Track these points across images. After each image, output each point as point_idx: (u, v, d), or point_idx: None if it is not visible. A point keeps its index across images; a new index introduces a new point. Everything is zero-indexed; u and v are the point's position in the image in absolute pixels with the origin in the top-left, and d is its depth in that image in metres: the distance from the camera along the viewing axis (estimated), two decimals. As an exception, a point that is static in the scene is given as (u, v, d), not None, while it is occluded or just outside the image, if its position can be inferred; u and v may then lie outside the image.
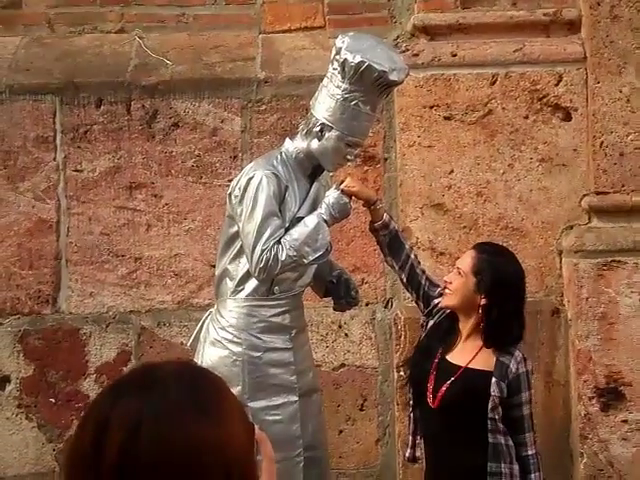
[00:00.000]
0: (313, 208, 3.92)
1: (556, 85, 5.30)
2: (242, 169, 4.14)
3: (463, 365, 3.72)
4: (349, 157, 3.97)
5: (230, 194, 3.95)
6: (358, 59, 3.76)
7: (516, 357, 3.70)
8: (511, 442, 3.66)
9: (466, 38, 5.36)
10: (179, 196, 5.37)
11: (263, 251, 3.79)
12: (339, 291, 4.18)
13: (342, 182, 3.96)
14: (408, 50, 5.36)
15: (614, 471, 5.10)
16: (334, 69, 3.85)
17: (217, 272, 4.08)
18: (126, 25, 5.63)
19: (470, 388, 3.67)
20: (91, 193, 5.38)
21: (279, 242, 3.82)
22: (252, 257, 3.81)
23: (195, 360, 4.02)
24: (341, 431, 5.36)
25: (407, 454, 3.95)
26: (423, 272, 3.97)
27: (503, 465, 3.63)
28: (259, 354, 3.94)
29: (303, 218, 3.89)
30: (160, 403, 1.41)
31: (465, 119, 5.29)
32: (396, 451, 5.25)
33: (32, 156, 5.37)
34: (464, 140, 5.29)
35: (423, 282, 3.94)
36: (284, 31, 5.61)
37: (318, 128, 3.89)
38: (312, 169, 4.00)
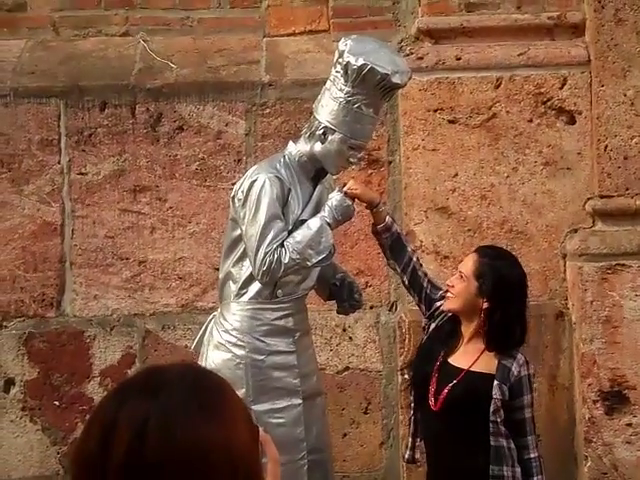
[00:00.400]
0: (316, 211, 3.93)
1: (560, 88, 5.30)
2: (246, 172, 4.14)
3: (465, 368, 3.72)
4: (352, 160, 3.97)
5: (233, 197, 3.95)
6: (361, 62, 3.77)
7: (518, 360, 3.70)
8: (513, 445, 3.66)
9: (470, 41, 5.36)
10: (183, 199, 5.38)
11: (266, 254, 3.80)
12: (342, 294, 4.18)
13: (345, 185, 3.97)
14: (412, 53, 5.37)
15: (618, 474, 5.09)
16: (337, 72, 3.86)
17: (220, 275, 4.09)
18: (131, 28, 5.64)
19: (472, 391, 3.67)
20: (95, 196, 5.39)
21: (282, 245, 3.82)
22: (255, 260, 3.82)
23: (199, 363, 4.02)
24: (345, 434, 5.36)
25: (406, 455, 3.97)
26: (425, 275, 3.98)
27: (505, 468, 3.63)
28: (262, 357, 3.94)
29: (306, 221, 3.89)
30: (166, 404, 1.42)
31: (469, 122, 5.29)
32: (400, 454, 5.24)
33: (37, 159, 5.38)
34: (468, 143, 5.29)
35: (425, 285, 3.95)
36: (288, 34, 5.62)
37: (321, 131, 3.90)
38: (315, 172, 4.00)
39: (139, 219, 5.38)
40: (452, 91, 5.30)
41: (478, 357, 3.72)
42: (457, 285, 3.76)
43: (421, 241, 5.26)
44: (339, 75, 3.84)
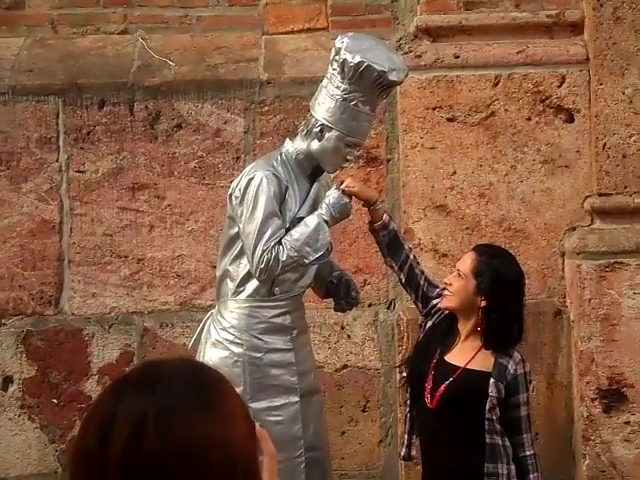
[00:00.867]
0: (313, 208, 3.93)
1: (559, 87, 5.30)
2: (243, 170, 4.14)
3: (461, 366, 3.72)
4: (349, 157, 3.97)
5: (230, 195, 3.95)
6: (357, 59, 3.76)
7: (514, 358, 3.71)
8: (508, 443, 3.67)
9: (469, 39, 5.36)
10: (182, 197, 5.38)
11: (264, 251, 3.80)
12: (339, 292, 4.18)
13: (342, 182, 3.97)
14: (411, 51, 5.37)
15: (617, 472, 5.09)
16: (334, 69, 3.85)
17: (218, 273, 4.09)
18: (129, 26, 5.64)
19: (468, 389, 3.67)
20: (94, 194, 5.39)
21: (280, 242, 3.82)
22: (253, 258, 3.82)
23: (196, 361, 4.02)
24: (343, 432, 5.35)
25: (402, 453, 3.98)
26: (422, 272, 3.98)
27: (500, 465, 3.64)
28: (260, 355, 3.94)
29: (303, 218, 3.89)
30: (164, 399, 1.42)
31: (468, 120, 5.29)
32: (398, 452, 5.24)
33: (35, 157, 5.38)
34: (467, 141, 5.29)
35: (422, 283, 3.95)
36: (287, 32, 5.61)
37: (318, 129, 3.89)
38: (312, 170, 4.00)
39: (137, 217, 5.38)
40: (451, 89, 5.30)
41: (474, 355, 3.72)
42: (455, 283, 3.76)
43: (419, 239, 5.26)
44: (336, 72, 3.84)
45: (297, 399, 3.96)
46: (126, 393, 1.44)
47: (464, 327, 3.78)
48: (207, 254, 5.30)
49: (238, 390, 3.83)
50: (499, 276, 3.72)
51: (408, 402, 3.94)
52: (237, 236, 3.93)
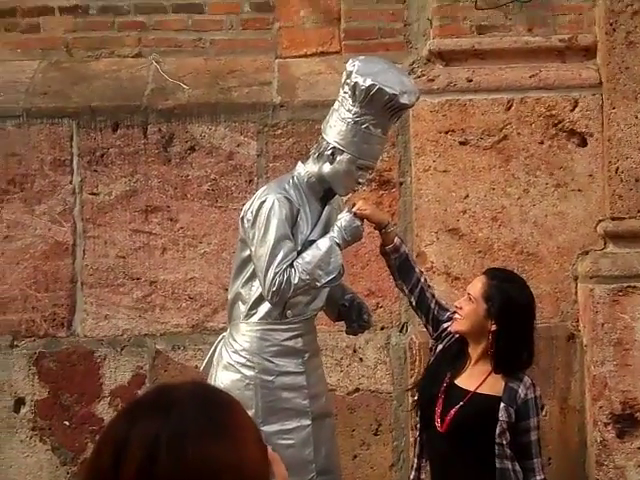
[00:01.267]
0: (325, 231, 3.92)
1: (572, 110, 5.31)
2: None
3: (472, 390, 3.71)
4: (361, 180, 3.97)
5: (243, 218, 3.96)
6: (369, 82, 3.77)
7: (525, 383, 3.69)
8: (518, 467, 3.65)
9: (482, 63, 5.37)
10: (194, 220, 5.39)
11: (276, 274, 3.79)
12: (351, 315, 4.17)
13: (354, 205, 3.97)
14: (424, 75, 5.38)
15: (630, 498, 5.07)
16: (345, 93, 3.86)
17: (230, 296, 4.08)
18: (143, 49, 5.67)
19: (478, 413, 3.66)
20: (107, 216, 5.41)
21: (292, 265, 3.82)
22: (265, 280, 3.82)
23: (208, 383, 4.02)
24: (355, 456, 5.34)
25: (412, 476, 3.96)
26: (433, 296, 3.97)
27: (510, 490, 3.62)
28: (272, 378, 3.93)
29: (315, 241, 3.89)
30: (178, 423, 1.42)
31: (480, 144, 5.30)
32: (408, 476, 5.22)
33: (49, 179, 5.40)
34: (479, 165, 5.29)
35: (432, 306, 3.94)
36: (300, 56, 5.64)
37: (330, 152, 3.90)
38: (324, 192, 4.00)
39: (150, 239, 5.40)
40: (463, 113, 5.31)
41: (485, 379, 3.71)
42: (465, 307, 3.75)
43: (432, 262, 5.26)
44: (347, 96, 3.85)
45: (309, 422, 3.95)
46: (139, 417, 1.44)
47: (474, 351, 3.77)
48: (219, 277, 5.31)
49: (250, 413, 3.82)
50: (509, 300, 3.71)
51: (418, 426, 3.92)
52: (249, 259, 3.93)
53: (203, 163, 5.39)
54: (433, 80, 5.36)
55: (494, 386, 3.69)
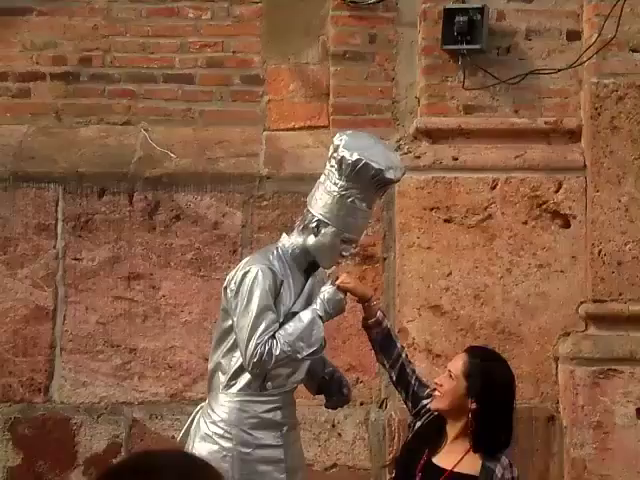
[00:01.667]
0: (308, 303, 3.92)
1: (556, 192, 5.35)
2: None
3: (449, 468, 3.67)
4: (345, 253, 3.98)
5: (225, 288, 3.95)
6: (355, 157, 3.79)
7: (502, 462, 3.66)
8: None
9: (468, 143, 5.43)
10: (177, 288, 5.38)
11: (257, 345, 3.77)
12: (331, 388, 4.14)
13: (337, 278, 3.97)
14: (410, 152, 5.43)
15: None
16: (331, 166, 3.88)
17: (210, 365, 4.06)
18: (132, 118, 5.71)
19: None
20: (89, 282, 5.40)
21: (274, 337, 3.80)
22: (246, 351, 3.80)
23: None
24: (331, 533, 5.27)
25: None
26: (413, 372, 3.95)
27: None
28: (249, 450, 3.89)
29: (298, 313, 3.88)
30: None
31: (465, 222, 5.33)
32: None
33: (32, 243, 5.40)
34: (463, 243, 5.32)
35: (413, 382, 3.92)
36: (288, 129, 5.68)
37: (314, 224, 3.90)
38: (308, 265, 4.00)
39: (132, 306, 5.38)
40: (448, 190, 5.35)
41: (462, 457, 3.68)
42: (445, 384, 3.73)
43: (413, 339, 5.25)
44: (333, 169, 3.87)
45: (285, 496, 3.91)
46: None
47: (452, 429, 3.74)
48: (200, 346, 5.28)
49: (225, 485, 3.78)
50: (490, 379, 3.69)
51: (396, 504, 3.88)
52: (231, 329, 3.91)
53: (188, 232, 5.40)
54: (419, 157, 5.41)
55: (471, 465, 3.66)
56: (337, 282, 3.92)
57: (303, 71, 5.72)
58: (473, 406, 3.67)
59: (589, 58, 5.29)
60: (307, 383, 4.18)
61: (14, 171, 5.46)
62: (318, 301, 3.88)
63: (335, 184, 3.86)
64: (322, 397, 4.26)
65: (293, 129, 5.68)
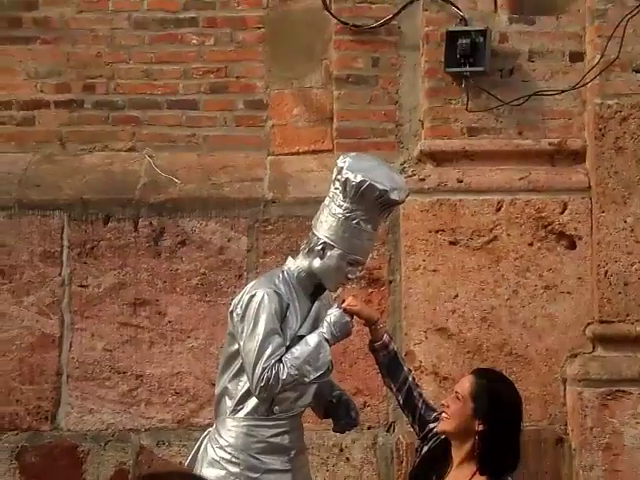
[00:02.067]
0: (314, 327, 3.90)
1: (561, 213, 5.35)
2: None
3: None
4: (350, 276, 3.97)
5: (232, 312, 3.94)
6: (359, 178, 3.79)
7: (508, 485, 3.63)
8: None
9: (472, 165, 5.43)
10: (183, 314, 5.38)
11: (264, 369, 3.76)
12: (339, 412, 4.12)
13: (344, 301, 3.96)
14: (415, 175, 5.43)
15: None
16: (336, 188, 3.88)
17: (217, 390, 4.04)
18: (137, 144, 5.72)
19: None
20: (95, 309, 5.39)
21: (280, 360, 3.79)
22: (253, 375, 3.78)
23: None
24: None
25: None
26: (420, 395, 3.93)
27: None
28: (257, 475, 3.87)
29: (304, 337, 3.87)
30: None
31: (470, 244, 5.32)
32: None
33: (38, 271, 5.40)
34: (469, 265, 5.31)
35: (420, 405, 3.89)
36: (292, 153, 5.69)
37: (320, 247, 3.90)
38: (314, 288, 3.99)
39: (138, 332, 5.37)
40: (453, 213, 5.34)
41: (469, 480, 3.65)
42: (452, 405, 3.71)
43: (420, 361, 5.24)
44: (338, 191, 3.87)
45: (293, 521, 3.88)
46: None
47: (459, 452, 3.70)
48: (206, 372, 5.27)
49: (234, 510, 3.76)
50: (498, 400, 3.67)
51: (404, 529, 3.86)
52: (237, 353, 3.90)
53: (193, 257, 5.40)
54: (424, 180, 5.41)
55: (478, 488, 3.63)
56: (343, 305, 3.91)
57: (306, 95, 5.74)
58: (480, 427, 3.64)
59: (592, 79, 5.30)
60: (315, 407, 4.16)
61: (19, 199, 5.47)
62: (324, 324, 3.87)
63: (340, 206, 3.86)
64: (330, 421, 4.24)
65: (297, 153, 5.69)
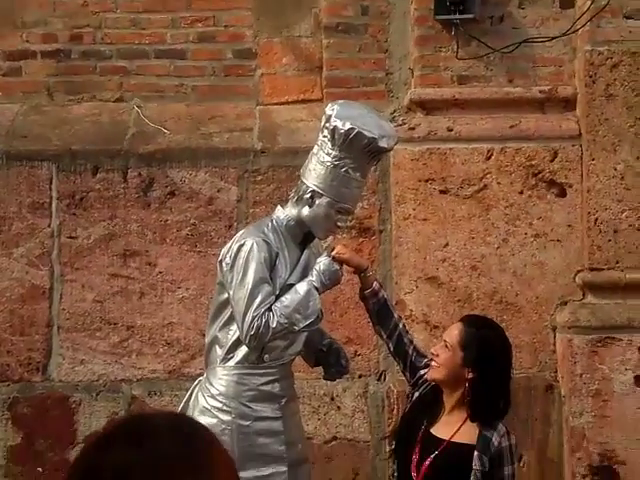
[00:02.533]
0: (304, 275, 3.91)
1: (551, 161, 5.33)
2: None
3: (446, 438, 3.66)
4: (340, 224, 3.97)
5: (221, 261, 3.93)
6: (348, 126, 3.78)
7: (499, 431, 3.65)
8: (493, 515, 3.61)
9: (462, 113, 5.40)
10: (173, 264, 5.37)
11: (254, 318, 3.77)
12: (329, 360, 4.14)
13: (333, 249, 3.96)
14: (404, 124, 5.41)
15: None
16: (324, 136, 3.87)
17: (207, 340, 4.05)
18: (125, 94, 5.68)
19: (453, 462, 3.61)
20: (85, 260, 5.38)
21: (270, 309, 3.79)
22: (243, 324, 3.79)
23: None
24: (332, 506, 5.28)
25: None
26: (411, 342, 3.94)
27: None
28: (248, 423, 3.89)
29: (294, 285, 3.87)
30: (151, 453, 1.39)
31: (460, 193, 5.31)
32: (386, 526, 5.17)
33: (27, 222, 5.38)
34: (459, 214, 5.30)
35: (410, 352, 3.91)
36: (282, 103, 5.66)
37: (309, 195, 3.89)
38: (303, 236, 3.99)
39: (128, 284, 5.37)
40: (443, 162, 5.33)
41: (460, 427, 3.67)
42: (442, 354, 3.72)
43: (411, 310, 5.25)
44: (326, 139, 3.85)
45: (285, 469, 3.91)
46: (113, 444, 1.42)
47: (449, 399, 3.73)
48: (197, 322, 5.28)
49: (225, 458, 3.76)
50: (487, 348, 3.68)
51: (395, 474, 3.88)
52: (227, 302, 3.91)
53: (183, 208, 5.39)
54: (414, 129, 5.39)
55: (469, 434, 3.65)
56: (333, 253, 3.91)
57: (296, 44, 5.69)
58: (470, 375, 3.66)
59: (583, 26, 5.26)
60: (305, 355, 4.17)
61: (7, 150, 5.44)
62: (314, 272, 3.87)
63: (328, 154, 3.84)
64: (320, 370, 4.26)
65: (286, 103, 5.66)
